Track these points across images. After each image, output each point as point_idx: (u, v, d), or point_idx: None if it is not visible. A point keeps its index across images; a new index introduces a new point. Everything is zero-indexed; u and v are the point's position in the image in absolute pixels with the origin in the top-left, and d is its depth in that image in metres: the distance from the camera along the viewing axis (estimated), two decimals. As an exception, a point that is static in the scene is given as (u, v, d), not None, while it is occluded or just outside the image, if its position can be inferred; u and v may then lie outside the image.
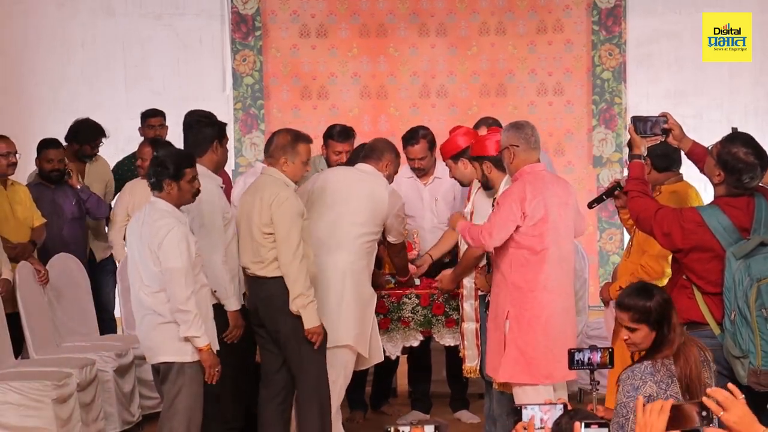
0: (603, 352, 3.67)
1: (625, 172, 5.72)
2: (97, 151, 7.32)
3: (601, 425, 2.69)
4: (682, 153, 4.69)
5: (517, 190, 4.86)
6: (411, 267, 5.98)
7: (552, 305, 4.86)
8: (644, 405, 2.79)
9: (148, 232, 4.65)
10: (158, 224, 4.63)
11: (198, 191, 4.79)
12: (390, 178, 5.67)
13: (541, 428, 3.22)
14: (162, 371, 4.79)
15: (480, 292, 5.41)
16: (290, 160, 5.09)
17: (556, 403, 3.27)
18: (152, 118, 7.60)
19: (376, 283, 5.74)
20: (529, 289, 4.83)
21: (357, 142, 6.49)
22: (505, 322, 4.87)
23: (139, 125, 7.66)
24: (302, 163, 5.14)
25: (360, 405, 6.41)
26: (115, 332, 7.16)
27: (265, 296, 5.08)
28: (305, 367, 5.07)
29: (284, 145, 5.10)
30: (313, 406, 5.06)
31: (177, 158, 4.74)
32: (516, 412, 3.24)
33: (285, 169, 5.09)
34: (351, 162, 5.82)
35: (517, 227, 4.83)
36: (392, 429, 2.85)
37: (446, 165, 5.71)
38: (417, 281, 5.97)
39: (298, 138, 5.15)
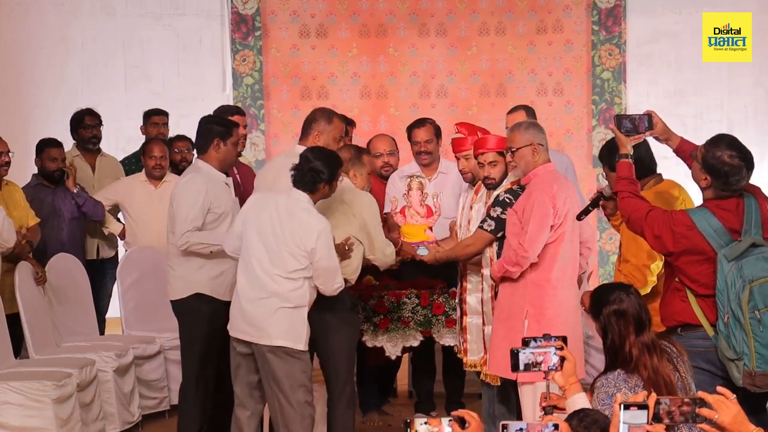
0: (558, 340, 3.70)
1: (603, 182, 5.70)
2: (96, 132, 7.32)
3: (640, 407, 2.73)
4: (671, 152, 4.69)
5: (547, 190, 4.85)
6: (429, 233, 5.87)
7: (568, 302, 4.90)
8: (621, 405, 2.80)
9: (297, 226, 4.81)
10: (311, 224, 4.81)
11: None
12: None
13: (538, 370, 3.48)
14: (270, 350, 4.81)
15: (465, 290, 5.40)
16: (358, 171, 5.36)
17: (553, 345, 3.39)
18: (156, 116, 7.61)
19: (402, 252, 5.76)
20: (551, 287, 4.85)
21: (357, 141, 6.51)
22: (523, 321, 4.84)
23: (141, 124, 7.66)
24: (368, 173, 5.46)
25: (372, 406, 6.41)
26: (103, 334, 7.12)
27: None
28: (341, 366, 5.17)
29: (349, 158, 5.30)
30: (343, 398, 5.18)
31: (332, 160, 4.94)
32: (513, 356, 3.41)
33: (355, 182, 5.34)
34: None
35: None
36: (411, 421, 2.97)
37: (464, 158, 5.54)
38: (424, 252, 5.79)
39: (360, 150, 5.49)
